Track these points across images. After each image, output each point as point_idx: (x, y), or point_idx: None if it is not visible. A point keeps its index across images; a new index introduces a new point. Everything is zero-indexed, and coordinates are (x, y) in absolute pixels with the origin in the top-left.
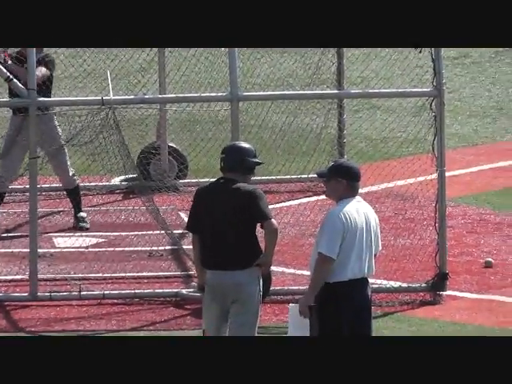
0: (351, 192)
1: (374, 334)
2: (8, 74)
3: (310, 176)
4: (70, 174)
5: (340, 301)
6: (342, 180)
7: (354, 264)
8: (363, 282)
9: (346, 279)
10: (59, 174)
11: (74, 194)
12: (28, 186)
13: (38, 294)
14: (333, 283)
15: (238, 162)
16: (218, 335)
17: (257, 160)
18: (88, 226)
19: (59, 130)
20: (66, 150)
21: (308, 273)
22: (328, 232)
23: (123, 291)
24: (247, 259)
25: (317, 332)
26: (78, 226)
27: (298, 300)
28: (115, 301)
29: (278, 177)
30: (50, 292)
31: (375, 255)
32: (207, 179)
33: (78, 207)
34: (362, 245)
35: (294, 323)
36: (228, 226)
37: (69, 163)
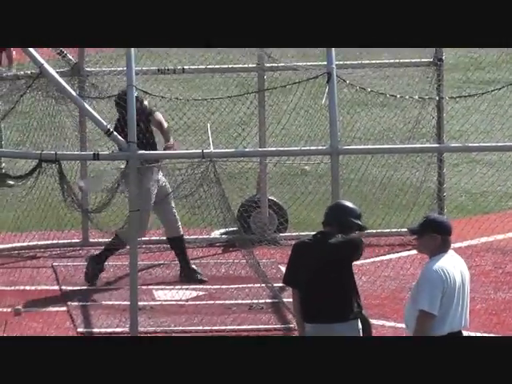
0: (444, 247)
1: None
2: (108, 126)
3: None
4: (177, 218)
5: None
6: (436, 235)
7: (452, 318)
8: (459, 334)
9: (445, 333)
10: (165, 221)
11: (179, 243)
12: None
13: None
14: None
15: (336, 217)
16: None
17: (358, 222)
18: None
19: (160, 180)
20: (172, 202)
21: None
22: (428, 288)
23: None
24: (346, 311)
25: None
26: (195, 278)
27: None
28: None
29: (378, 230)
30: None
31: None
32: (307, 232)
33: (185, 259)
34: (459, 299)
35: None
36: (324, 278)
37: (175, 212)
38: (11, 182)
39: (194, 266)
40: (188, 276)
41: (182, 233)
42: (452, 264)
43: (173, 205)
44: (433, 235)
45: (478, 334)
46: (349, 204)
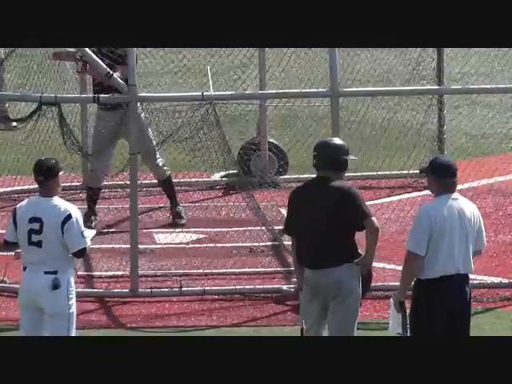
0: (445, 188)
1: (473, 331)
2: (108, 69)
3: (410, 172)
4: (160, 164)
5: (432, 298)
6: (432, 176)
7: (444, 261)
8: (457, 279)
9: (437, 276)
10: (149, 166)
11: (167, 185)
12: (129, 182)
13: (139, 289)
14: (424, 280)
15: (330, 159)
16: (317, 333)
17: (350, 157)
18: (184, 221)
19: (145, 124)
20: (154, 143)
21: None
22: (414, 229)
23: (224, 287)
24: (345, 256)
25: (404, 328)
26: (175, 222)
27: None
28: (216, 297)
29: (379, 173)
30: (150, 288)
31: (480, 252)
32: (307, 175)
33: (173, 200)
34: (453, 241)
35: (394, 318)
36: (326, 224)
37: (157, 155)
38: (14, 124)
39: (179, 209)
40: (173, 217)
41: (168, 173)
42: (448, 206)
43: (155, 150)
44: (430, 176)
45: (479, 277)
46: (336, 141)
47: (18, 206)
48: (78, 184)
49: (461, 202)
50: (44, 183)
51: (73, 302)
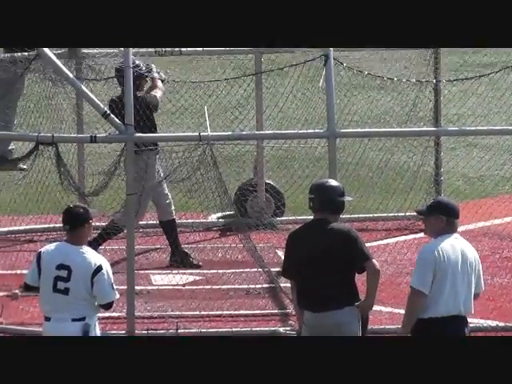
0: (449, 229)
1: None
2: (105, 109)
3: (407, 214)
4: (170, 206)
5: (432, 338)
6: (441, 216)
7: (447, 300)
8: (458, 319)
9: (439, 315)
10: (159, 204)
11: (172, 227)
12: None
13: (136, 331)
14: (426, 319)
15: (327, 201)
16: None
17: (346, 198)
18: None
19: (155, 166)
20: (165, 185)
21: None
22: (419, 266)
23: (220, 329)
24: (347, 299)
25: None
26: (190, 263)
27: None
28: None
29: (375, 214)
30: (147, 330)
31: (477, 295)
32: (304, 217)
33: (176, 242)
34: (456, 281)
35: None
36: (326, 267)
37: (169, 196)
38: (23, 166)
39: (186, 250)
40: (181, 259)
41: (174, 216)
42: (452, 246)
43: (165, 187)
44: (438, 216)
45: (475, 320)
46: (332, 182)
47: (42, 250)
48: None
49: (462, 243)
50: (71, 231)
51: None
